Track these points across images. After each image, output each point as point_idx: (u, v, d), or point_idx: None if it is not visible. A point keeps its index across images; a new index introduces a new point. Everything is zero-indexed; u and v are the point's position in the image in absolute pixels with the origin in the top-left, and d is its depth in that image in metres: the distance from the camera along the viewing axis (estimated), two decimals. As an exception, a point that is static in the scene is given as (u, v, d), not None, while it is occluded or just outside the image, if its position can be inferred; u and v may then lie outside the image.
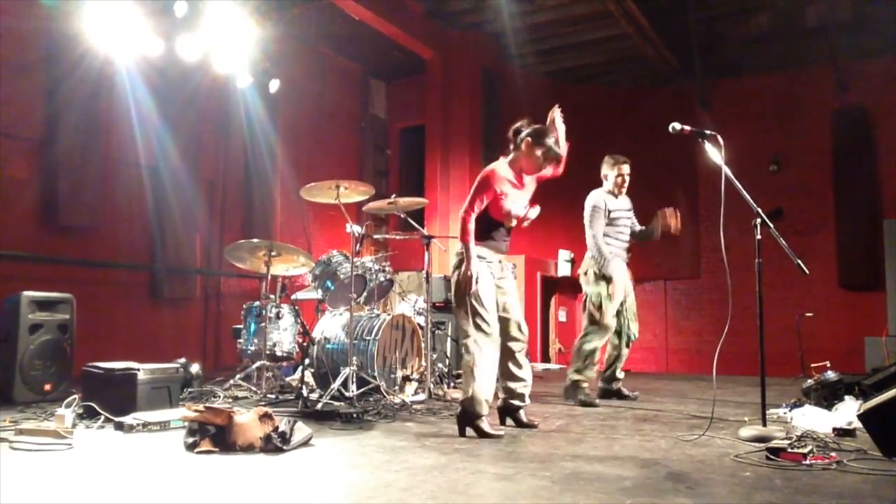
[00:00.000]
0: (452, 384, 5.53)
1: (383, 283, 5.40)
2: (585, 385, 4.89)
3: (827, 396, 4.29)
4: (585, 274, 5.07)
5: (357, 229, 4.81)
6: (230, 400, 4.62)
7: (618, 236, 5.07)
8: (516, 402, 3.73)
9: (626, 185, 5.10)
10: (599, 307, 4.94)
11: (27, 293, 4.56)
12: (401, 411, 4.21)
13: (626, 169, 5.09)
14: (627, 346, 5.18)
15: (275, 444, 2.94)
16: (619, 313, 5.05)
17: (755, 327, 3.38)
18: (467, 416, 3.44)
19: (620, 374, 5.21)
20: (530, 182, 3.83)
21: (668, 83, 10.22)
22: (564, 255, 10.37)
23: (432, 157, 9.31)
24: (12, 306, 4.51)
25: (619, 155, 5.14)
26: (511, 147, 3.77)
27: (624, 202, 5.15)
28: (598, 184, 5.16)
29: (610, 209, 5.02)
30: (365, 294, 5.24)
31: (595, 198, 5.05)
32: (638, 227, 5.21)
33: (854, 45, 8.83)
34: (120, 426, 3.44)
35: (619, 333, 5.11)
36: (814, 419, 3.74)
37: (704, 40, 9.12)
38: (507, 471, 2.64)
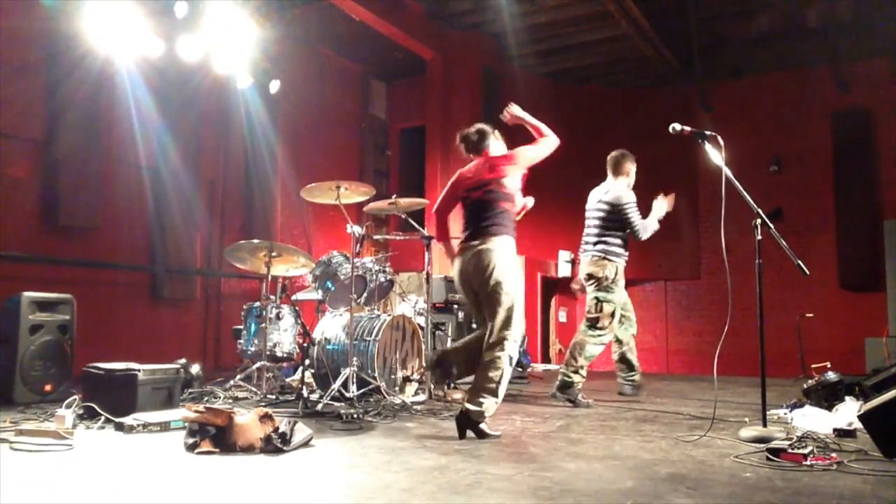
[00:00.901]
0: (453, 385, 5.53)
1: (383, 284, 5.40)
2: (580, 385, 4.89)
3: (827, 397, 4.29)
4: (596, 279, 4.95)
5: (357, 230, 4.81)
6: (230, 401, 4.62)
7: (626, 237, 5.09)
8: None
9: None
10: (612, 314, 4.95)
11: (27, 294, 4.56)
12: (401, 412, 4.21)
13: None
14: (632, 336, 5.26)
15: (275, 444, 2.94)
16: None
17: (755, 328, 3.38)
18: (471, 421, 3.36)
19: (637, 364, 5.29)
20: None
21: (668, 84, 10.23)
22: (564, 255, 10.39)
23: (433, 158, 9.31)
24: (13, 307, 4.51)
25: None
26: (475, 148, 3.79)
27: None
28: (597, 183, 5.15)
29: None
30: (365, 295, 5.24)
31: (631, 192, 5.04)
32: None
33: (854, 45, 8.83)
34: (120, 427, 3.44)
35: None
36: (814, 420, 3.74)
37: (705, 41, 9.13)
38: (508, 471, 2.64)
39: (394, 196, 5.15)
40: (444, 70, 9.31)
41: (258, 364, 4.95)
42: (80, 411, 3.65)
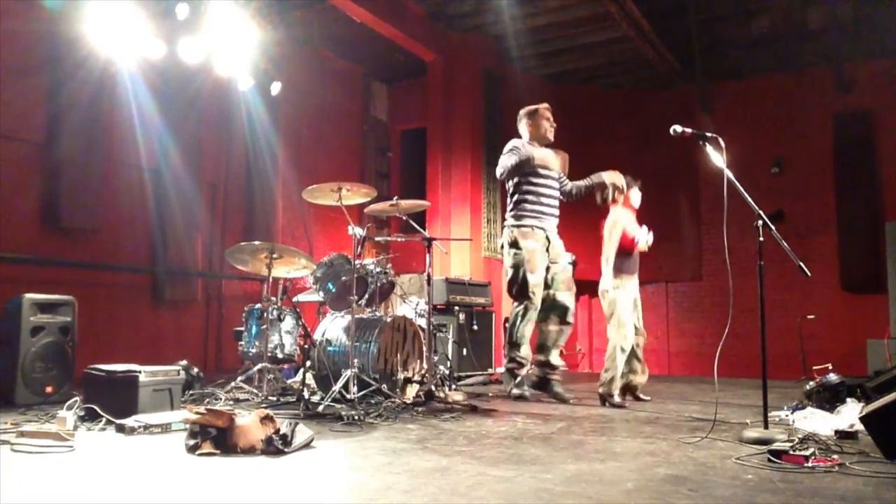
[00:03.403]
0: (454, 386, 5.53)
1: (384, 286, 5.39)
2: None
3: (829, 399, 4.28)
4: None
5: (359, 231, 4.81)
6: (231, 402, 4.62)
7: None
8: None
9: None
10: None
11: (29, 295, 4.56)
12: (402, 413, 4.21)
13: None
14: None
15: (276, 446, 2.94)
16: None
17: (757, 329, 3.38)
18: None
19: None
20: None
21: (668, 85, 10.22)
22: (567, 257, 10.36)
23: (434, 160, 9.31)
24: (14, 308, 4.51)
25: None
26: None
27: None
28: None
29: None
30: (366, 296, 5.23)
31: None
32: None
33: (855, 47, 8.83)
34: (121, 428, 3.44)
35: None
36: (816, 422, 3.73)
37: (705, 42, 9.13)
38: (509, 473, 2.64)
39: (395, 198, 5.15)
40: (445, 72, 9.31)
41: (259, 366, 4.95)
42: (81, 413, 3.65)
